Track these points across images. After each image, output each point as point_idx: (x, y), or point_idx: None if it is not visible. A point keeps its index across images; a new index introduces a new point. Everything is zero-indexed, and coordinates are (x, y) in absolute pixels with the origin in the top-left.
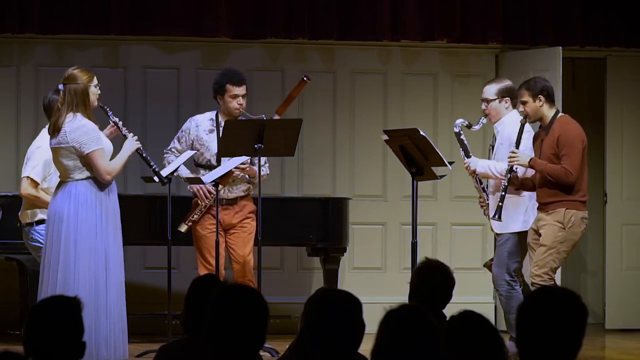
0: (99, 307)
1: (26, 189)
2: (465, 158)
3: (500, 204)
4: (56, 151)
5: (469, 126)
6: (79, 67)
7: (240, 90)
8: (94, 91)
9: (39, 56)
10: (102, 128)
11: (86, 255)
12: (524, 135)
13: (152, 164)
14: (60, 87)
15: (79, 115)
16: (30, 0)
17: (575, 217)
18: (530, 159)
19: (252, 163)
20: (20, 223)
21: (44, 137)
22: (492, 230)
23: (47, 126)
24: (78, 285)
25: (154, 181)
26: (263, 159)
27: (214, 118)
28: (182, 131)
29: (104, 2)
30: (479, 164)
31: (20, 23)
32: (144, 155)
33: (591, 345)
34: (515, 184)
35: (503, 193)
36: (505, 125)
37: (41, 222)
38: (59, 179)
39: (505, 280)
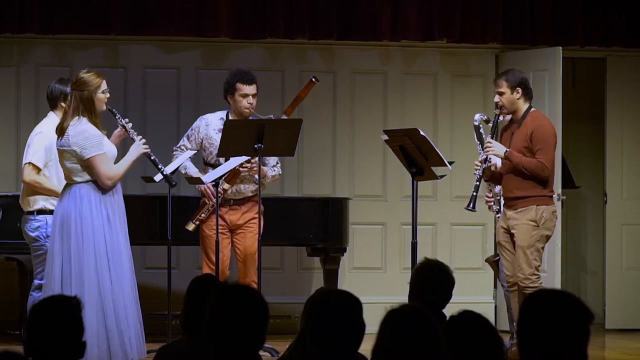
0: (107, 308)
1: (29, 175)
2: (482, 152)
3: (474, 193)
4: (61, 153)
5: (488, 121)
6: (90, 70)
7: (251, 89)
8: (101, 97)
9: (39, 56)
10: (111, 130)
11: (92, 256)
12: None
13: (160, 166)
14: (68, 90)
15: (83, 119)
16: (30, 0)
17: (547, 212)
18: (506, 151)
19: (263, 164)
20: (21, 222)
21: (44, 124)
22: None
23: (48, 114)
24: (84, 287)
25: (154, 181)
26: (274, 159)
27: (225, 118)
28: (192, 129)
29: (104, 2)
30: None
31: (20, 23)
32: (152, 158)
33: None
34: (486, 174)
35: (477, 183)
36: None
37: (42, 211)
38: (65, 182)
39: None
